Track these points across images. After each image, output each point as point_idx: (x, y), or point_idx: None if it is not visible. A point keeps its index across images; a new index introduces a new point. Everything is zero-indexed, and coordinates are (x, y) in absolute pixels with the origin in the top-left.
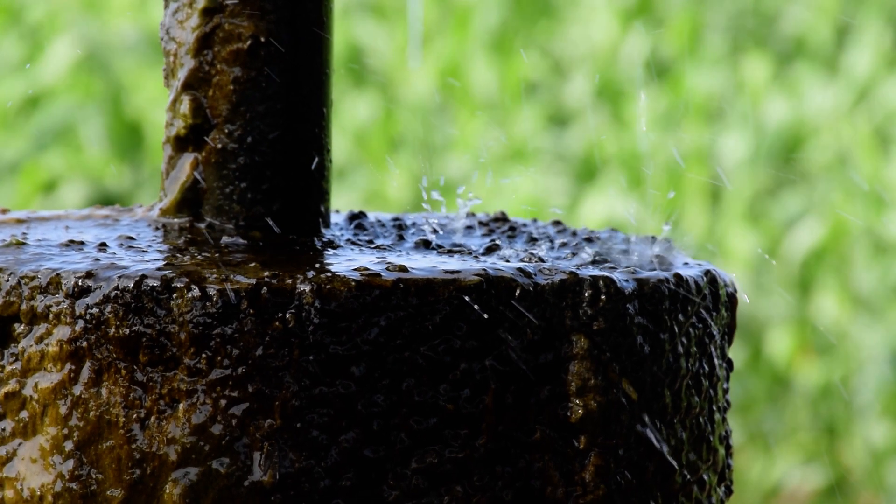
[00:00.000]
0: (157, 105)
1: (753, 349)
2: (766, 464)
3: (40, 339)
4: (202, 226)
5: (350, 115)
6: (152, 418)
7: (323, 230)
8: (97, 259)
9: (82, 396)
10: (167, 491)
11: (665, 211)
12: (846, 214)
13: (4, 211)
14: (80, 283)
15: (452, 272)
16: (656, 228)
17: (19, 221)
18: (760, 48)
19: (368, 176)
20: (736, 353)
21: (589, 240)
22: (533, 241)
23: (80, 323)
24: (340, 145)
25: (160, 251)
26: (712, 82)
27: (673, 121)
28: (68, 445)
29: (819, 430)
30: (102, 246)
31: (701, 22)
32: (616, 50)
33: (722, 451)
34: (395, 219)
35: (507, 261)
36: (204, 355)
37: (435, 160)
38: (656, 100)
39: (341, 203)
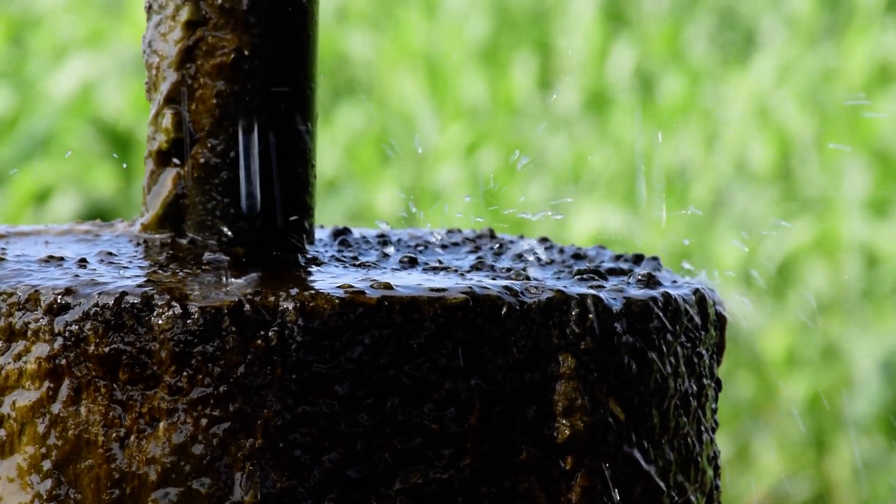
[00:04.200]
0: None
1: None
2: (753, 476)
3: (18, 357)
4: (184, 241)
5: (339, 125)
6: (132, 437)
7: (307, 246)
8: (77, 275)
9: (61, 415)
10: None
11: (659, 224)
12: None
13: None
14: (59, 300)
15: (438, 290)
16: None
17: None
18: (740, 63)
19: (358, 188)
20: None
21: (576, 256)
22: (520, 257)
23: (59, 340)
24: (330, 157)
25: (141, 267)
26: (696, 93)
27: (659, 131)
28: (46, 465)
29: (806, 442)
30: (82, 262)
31: (682, 34)
32: (602, 60)
33: (710, 472)
34: (381, 235)
35: (494, 279)
36: (185, 374)
37: (425, 171)
38: (643, 110)
39: (330, 216)
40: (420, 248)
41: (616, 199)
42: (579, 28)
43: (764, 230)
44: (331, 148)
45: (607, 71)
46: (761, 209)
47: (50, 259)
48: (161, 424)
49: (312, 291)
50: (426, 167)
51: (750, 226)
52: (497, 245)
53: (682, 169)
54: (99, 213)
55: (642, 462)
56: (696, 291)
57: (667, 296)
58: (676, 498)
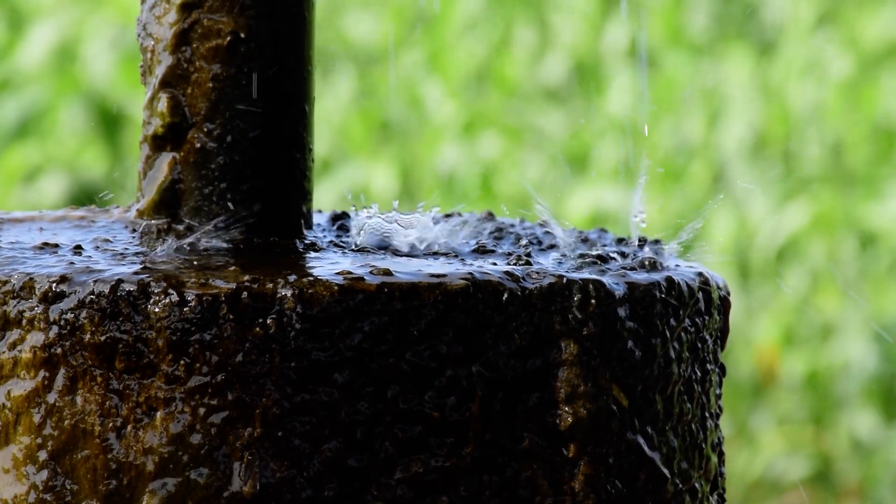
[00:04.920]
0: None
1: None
2: (751, 454)
3: (13, 346)
4: (181, 227)
5: (333, 103)
6: (129, 427)
7: (305, 232)
8: (72, 262)
9: (56, 405)
10: (144, 502)
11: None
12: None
13: None
14: (54, 288)
15: (438, 276)
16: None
17: None
18: (742, 37)
19: (353, 168)
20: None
21: (578, 240)
22: (521, 242)
23: (55, 329)
24: (326, 136)
25: (137, 254)
26: (695, 71)
27: (657, 108)
28: (42, 455)
29: (804, 420)
30: (78, 249)
31: (683, 8)
32: (597, 36)
33: (714, 458)
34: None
35: (495, 264)
36: (182, 362)
37: (421, 150)
38: (639, 87)
39: (324, 197)
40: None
41: (613, 179)
42: (575, 2)
43: (763, 210)
44: (324, 126)
45: (603, 47)
46: (762, 187)
47: (45, 246)
48: (158, 414)
49: (311, 278)
50: (424, 146)
51: (749, 205)
52: (497, 229)
53: (682, 147)
54: (87, 194)
55: (646, 449)
56: (700, 275)
57: (670, 280)
58: (681, 485)
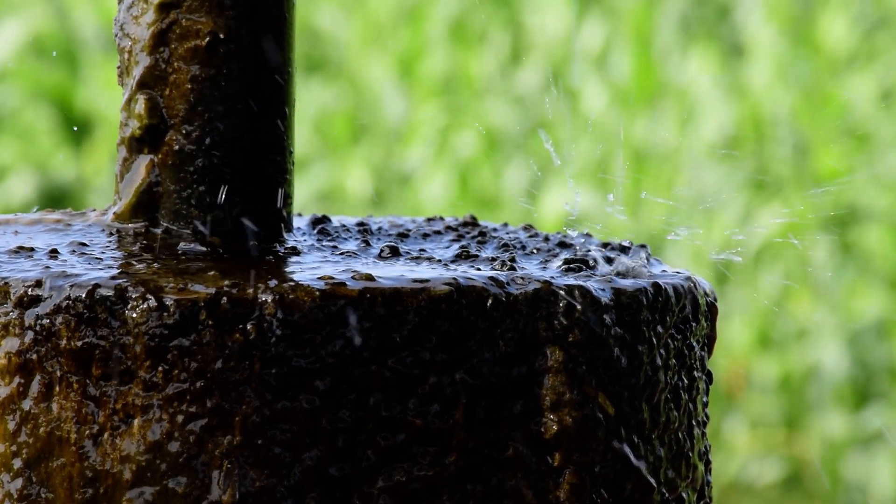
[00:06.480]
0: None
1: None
2: (724, 457)
3: None
4: (158, 231)
5: (308, 103)
6: (105, 435)
7: (285, 235)
8: (48, 267)
9: (32, 411)
10: None
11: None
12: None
13: None
14: (29, 293)
15: (421, 281)
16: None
17: None
18: (711, 40)
19: (328, 167)
20: None
21: (562, 245)
22: (504, 247)
23: (30, 334)
24: (300, 135)
25: (114, 258)
26: (666, 73)
27: (631, 111)
28: (17, 463)
29: (777, 423)
30: (53, 253)
31: (654, 13)
32: (569, 40)
33: (701, 467)
34: (361, 223)
35: (479, 269)
36: (160, 368)
37: (394, 150)
38: (611, 90)
39: (300, 194)
40: (402, 237)
41: (586, 180)
42: (549, 5)
43: (734, 213)
44: (299, 126)
45: (577, 49)
46: (731, 190)
47: (20, 250)
48: (136, 421)
49: (292, 283)
50: (396, 147)
51: (720, 207)
52: (480, 234)
53: (654, 149)
54: (57, 194)
55: (632, 458)
56: (687, 281)
57: (657, 286)
58: (667, 494)
